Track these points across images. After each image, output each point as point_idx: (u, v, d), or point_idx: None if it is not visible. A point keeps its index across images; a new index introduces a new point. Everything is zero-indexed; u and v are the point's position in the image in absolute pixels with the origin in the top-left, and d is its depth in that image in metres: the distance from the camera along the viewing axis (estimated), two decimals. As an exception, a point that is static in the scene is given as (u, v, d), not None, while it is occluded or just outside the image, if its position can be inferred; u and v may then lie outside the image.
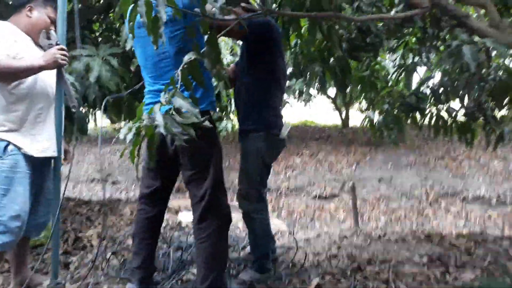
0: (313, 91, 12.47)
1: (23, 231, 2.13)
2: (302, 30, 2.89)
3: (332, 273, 2.42)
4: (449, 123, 3.78)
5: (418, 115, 3.93)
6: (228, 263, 2.58)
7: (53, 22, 2.24)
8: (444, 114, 3.73)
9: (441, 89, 3.72)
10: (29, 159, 2.13)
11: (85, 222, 3.38)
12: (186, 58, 1.69)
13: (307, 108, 14.86)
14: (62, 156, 2.34)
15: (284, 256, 2.78)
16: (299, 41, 3.27)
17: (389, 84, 4.23)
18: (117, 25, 4.14)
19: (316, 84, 10.93)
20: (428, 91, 3.91)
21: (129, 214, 3.57)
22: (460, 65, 3.55)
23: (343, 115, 13.29)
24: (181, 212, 3.64)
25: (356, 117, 15.21)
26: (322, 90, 11.95)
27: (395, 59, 3.93)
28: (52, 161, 2.30)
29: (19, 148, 2.09)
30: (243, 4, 1.99)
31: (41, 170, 2.27)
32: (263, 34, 2.28)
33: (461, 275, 2.46)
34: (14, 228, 2.06)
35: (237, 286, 2.26)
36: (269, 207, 3.24)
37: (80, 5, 3.92)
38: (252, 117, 2.37)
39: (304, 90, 8.54)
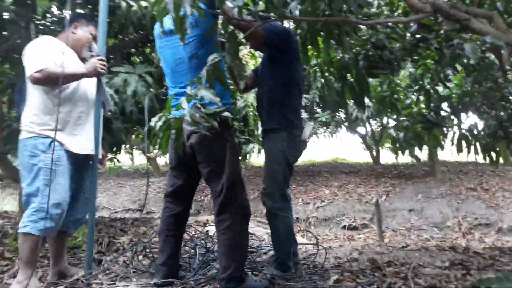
0: (343, 131, 12.66)
1: (62, 219, 2.36)
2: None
3: (351, 271, 2.48)
4: (472, 142, 3.84)
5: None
6: (250, 260, 2.70)
7: (94, 38, 2.59)
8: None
9: (460, 106, 3.84)
10: (70, 155, 2.40)
11: (118, 231, 3.59)
12: (210, 59, 1.93)
13: (337, 145, 14.93)
14: (100, 157, 2.60)
15: (306, 259, 2.86)
16: (318, 61, 3.50)
17: (409, 103, 4.34)
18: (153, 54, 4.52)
19: (344, 121, 11.15)
20: (448, 109, 4.02)
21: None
22: (474, 79, 3.67)
23: (374, 153, 13.27)
24: (209, 224, 3.79)
25: (387, 155, 15.17)
26: (351, 128, 12.11)
27: (416, 80, 4.05)
28: (91, 162, 2.57)
29: (61, 144, 2.37)
30: (260, 13, 2.23)
31: (81, 170, 2.54)
32: (282, 40, 2.52)
33: (483, 276, 2.46)
34: (55, 215, 2.30)
35: (258, 278, 2.35)
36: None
37: (118, 38, 4.35)
38: (275, 118, 2.55)
39: (330, 121, 8.68)
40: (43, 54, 2.35)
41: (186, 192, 2.48)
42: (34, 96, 2.42)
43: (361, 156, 16.03)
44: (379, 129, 13.13)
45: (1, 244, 3.29)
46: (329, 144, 14.56)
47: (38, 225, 2.24)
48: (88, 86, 2.54)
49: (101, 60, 2.44)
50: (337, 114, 9.16)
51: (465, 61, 3.45)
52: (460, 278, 2.40)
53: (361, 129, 13.04)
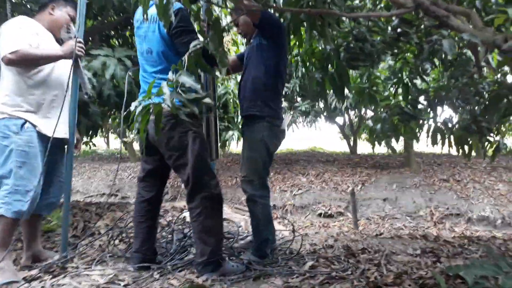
0: (322, 121, 12.78)
1: (36, 202, 2.34)
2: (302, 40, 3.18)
3: (326, 257, 2.55)
4: (446, 134, 3.96)
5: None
6: (227, 245, 2.74)
7: (73, 19, 2.54)
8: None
9: (436, 100, 3.93)
10: (43, 138, 2.36)
11: (94, 216, 3.57)
12: (192, 45, 1.93)
13: (315, 135, 15.09)
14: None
15: (282, 245, 2.91)
16: (300, 51, 3.53)
17: (387, 95, 4.42)
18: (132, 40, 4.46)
19: (324, 111, 11.26)
20: (424, 103, 4.12)
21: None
22: (451, 74, 3.76)
23: (351, 143, 13.49)
24: (185, 210, 3.80)
25: (364, 146, 15.45)
26: (330, 118, 12.24)
27: (395, 73, 4.12)
28: (66, 146, 2.54)
29: (34, 126, 2.34)
30: (245, 1, 2.23)
31: (55, 153, 2.50)
32: (275, 26, 2.52)
33: (452, 263, 2.56)
34: (29, 198, 2.27)
35: (235, 263, 2.39)
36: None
37: (97, 20, 4.27)
38: (258, 105, 2.58)
39: (309, 111, 8.76)
40: (18, 35, 2.30)
41: (157, 178, 2.49)
42: (6, 77, 2.37)
43: (339, 145, 16.28)
44: (356, 119, 13.34)
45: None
46: (307, 133, 14.70)
47: (11, 207, 2.23)
48: (64, 68, 2.49)
49: (79, 42, 2.39)
50: (316, 104, 9.23)
51: (443, 56, 3.53)
52: (430, 265, 2.49)
53: (339, 119, 13.23)
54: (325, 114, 11.97)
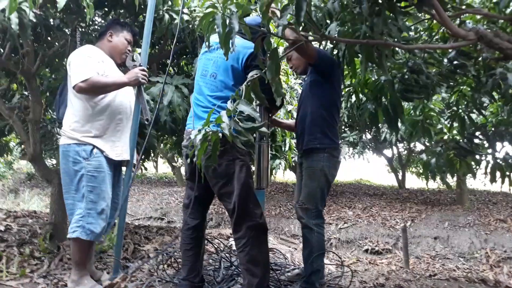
0: (369, 153, 12.51)
1: (107, 224, 2.45)
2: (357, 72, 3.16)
3: (377, 296, 2.43)
4: (507, 172, 3.75)
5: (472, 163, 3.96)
6: (274, 278, 2.68)
7: (130, 43, 2.67)
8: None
9: (495, 135, 3.75)
10: (109, 161, 2.47)
11: (143, 239, 3.63)
12: (250, 75, 1.97)
13: (362, 167, 14.77)
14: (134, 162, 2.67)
15: (330, 281, 2.82)
16: (353, 82, 3.49)
17: (443, 130, 4.27)
18: (187, 69, 4.63)
19: (371, 143, 11.03)
20: (481, 137, 3.94)
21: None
22: (511, 108, 3.59)
23: (400, 177, 13.06)
24: (232, 238, 3.78)
25: (413, 180, 14.90)
26: (378, 150, 11.97)
27: (449, 106, 3.99)
28: (124, 168, 2.64)
29: (101, 152, 2.45)
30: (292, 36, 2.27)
31: (114, 175, 2.60)
32: (331, 64, 2.64)
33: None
34: (101, 221, 2.41)
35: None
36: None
37: (155, 49, 4.46)
38: (318, 137, 2.65)
39: (357, 142, 8.60)
40: (87, 63, 2.44)
41: (201, 204, 2.51)
42: (75, 104, 2.51)
43: (386, 178, 15.80)
44: (405, 152, 12.95)
45: (31, 244, 3.37)
46: (354, 165, 14.41)
47: (85, 230, 2.36)
48: (127, 93, 2.63)
49: (143, 70, 2.52)
50: (364, 135, 9.07)
51: (503, 90, 3.39)
52: (492, 313, 2.32)
53: (387, 152, 12.90)
54: (372, 145, 11.72)
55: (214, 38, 2.48)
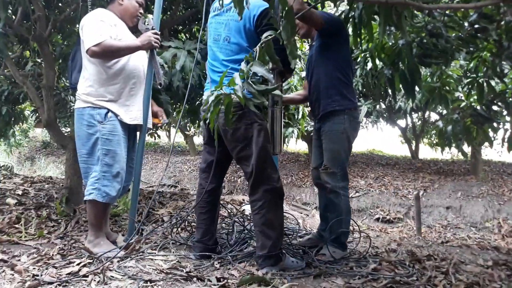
0: (382, 124, 12.36)
1: (122, 186, 2.48)
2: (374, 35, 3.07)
3: (389, 261, 2.44)
4: (524, 140, 3.67)
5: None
6: (287, 242, 2.71)
7: (141, 5, 2.62)
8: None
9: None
10: (123, 125, 2.48)
11: (157, 204, 3.69)
12: (264, 36, 1.92)
13: (375, 137, 14.66)
14: (150, 126, 2.66)
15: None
16: (369, 46, 3.40)
17: (460, 97, 4.18)
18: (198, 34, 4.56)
19: (385, 112, 10.87)
20: (501, 105, 3.84)
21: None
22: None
23: (413, 147, 12.93)
24: (244, 203, 3.82)
25: (426, 151, 14.77)
26: (391, 120, 11.81)
27: (467, 72, 3.88)
28: (138, 132, 2.65)
29: (116, 115, 2.45)
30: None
31: (129, 139, 2.61)
32: (339, 27, 2.59)
33: (530, 278, 2.36)
34: (117, 184, 2.44)
35: (295, 259, 2.36)
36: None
37: (167, 14, 4.39)
38: (336, 99, 2.60)
39: (372, 111, 8.49)
40: (99, 27, 2.41)
41: (218, 168, 2.49)
42: (89, 68, 2.50)
43: (399, 149, 15.69)
44: (419, 122, 12.78)
45: (48, 207, 3.45)
46: (366, 135, 14.30)
47: (101, 192, 2.40)
48: (140, 58, 2.60)
49: (156, 33, 2.47)
50: (378, 104, 8.94)
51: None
52: (505, 279, 2.31)
53: (401, 122, 12.74)
54: (386, 115, 11.57)
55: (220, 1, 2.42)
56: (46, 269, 2.03)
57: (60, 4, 3.97)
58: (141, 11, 2.64)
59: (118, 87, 2.49)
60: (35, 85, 4.33)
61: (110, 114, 2.45)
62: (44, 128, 3.81)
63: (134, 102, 2.54)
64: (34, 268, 2.05)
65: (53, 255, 2.30)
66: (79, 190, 3.59)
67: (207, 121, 2.21)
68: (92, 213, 2.45)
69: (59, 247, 2.45)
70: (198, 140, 14.02)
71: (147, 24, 2.52)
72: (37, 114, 7.89)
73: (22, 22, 3.65)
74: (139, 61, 2.58)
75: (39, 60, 4.81)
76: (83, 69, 2.55)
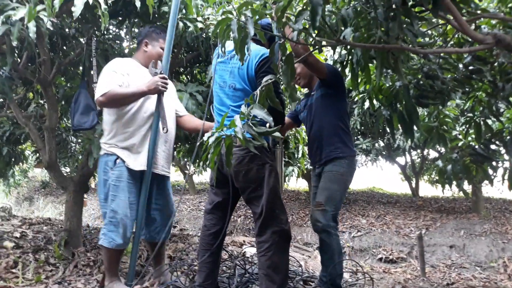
0: (381, 162, 12.39)
1: (128, 233, 2.49)
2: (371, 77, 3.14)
3: (394, 305, 2.39)
4: (524, 179, 3.67)
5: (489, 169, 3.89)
6: (291, 285, 2.65)
7: None
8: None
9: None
10: (132, 172, 2.52)
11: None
12: (265, 80, 1.97)
13: (375, 175, 14.64)
14: (165, 174, 2.73)
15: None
16: (367, 88, 3.47)
17: (458, 136, 4.22)
18: (201, 77, 4.65)
19: (384, 150, 10.94)
20: (498, 143, 3.87)
21: (197, 242, 3.76)
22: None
23: (413, 185, 12.89)
24: (245, 245, 3.77)
25: (427, 188, 14.72)
26: (391, 157, 11.85)
27: (464, 111, 3.94)
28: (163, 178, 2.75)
29: (123, 162, 2.49)
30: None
31: (154, 185, 2.68)
32: (339, 79, 2.78)
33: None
34: (121, 229, 2.45)
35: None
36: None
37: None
38: (338, 147, 2.72)
39: (370, 149, 8.53)
40: (109, 77, 2.49)
41: (224, 211, 2.48)
42: (105, 117, 2.60)
43: (399, 186, 15.64)
44: (419, 160, 12.80)
45: (46, 250, 3.40)
46: (366, 173, 14.29)
47: (107, 238, 2.44)
48: (151, 105, 2.63)
49: (163, 78, 2.51)
50: (377, 142, 9.00)
51: (521, 95, 3.33)
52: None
53: (400, 159, 12.77)
54: (385, 153, 11.61)
55: (228, 47, 2.50)
56: (43, 316, 1.99)
57: (64, 48, 4.07)
58: (159, 61, 2.71)
59: (130, 134, 2.54)
60: (37, 126, 4.38)
61: (118, 160, 2.51)
62: (44, 169, 3.82)
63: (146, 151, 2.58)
64: (30, 315, 2.00)
65: (50, 301, 2.25)
66: (78, 232, 3.56)
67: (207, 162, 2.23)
68: (104, 258, 2.50)
69: (57, 293, 2.40)
70: (198, 178, 13.97)
71: (156, 69, 2.57)
72: (37, 155, 7.91)
73: (27, 65, 3.73)
74: (152, 107, 2.61)
75: (42, 102, 4.88)
76: (103, 117, 2.66)
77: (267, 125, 1.98)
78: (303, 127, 5.13)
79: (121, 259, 2.60)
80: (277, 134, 2.09)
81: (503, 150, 3.94)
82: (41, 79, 3.53)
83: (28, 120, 3.93)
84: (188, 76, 4.89)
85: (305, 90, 3.30)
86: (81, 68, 3.77)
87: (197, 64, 4.65)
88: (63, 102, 4.37)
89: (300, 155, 5.40)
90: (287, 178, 5.99)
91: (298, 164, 5.85)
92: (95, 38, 3.19)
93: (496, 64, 3.31)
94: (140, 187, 2.57)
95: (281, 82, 1.93)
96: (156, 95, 2.55)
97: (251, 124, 1.91)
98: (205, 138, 1.93)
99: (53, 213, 9.71)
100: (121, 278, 2.71)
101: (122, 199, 2.46)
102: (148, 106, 2.60)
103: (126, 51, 4.22)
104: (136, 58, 2.71)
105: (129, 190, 2.49)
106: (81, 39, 3.70)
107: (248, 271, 2.82)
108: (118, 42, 4.03)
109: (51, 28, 2.87)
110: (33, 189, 13.99)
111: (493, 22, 3.03)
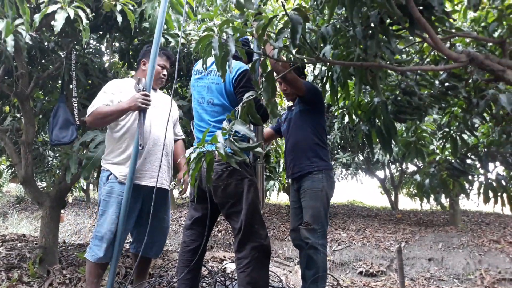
0: (361, 175, 12.54)
1: (111, 248, 2.47)
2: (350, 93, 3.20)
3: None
4: (499, 192, 3.76)
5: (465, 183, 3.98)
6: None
7: (163, 67, 2.73)
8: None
9: (487, 156, 3.78)
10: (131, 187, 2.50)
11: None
12: (246, 96, 1.98)
13: (354, 188, 14.78)
14: (165, 187, 2.76)
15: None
16: (346, 103, 3.53)
17: (435, 150, 4.31)
18: (182, 91, 4.65)
19: (364, 164, 11.09)
20: (474, 158, 3.96)
21: (176, 258, 3.71)
22: (502, 130, 3.64)
23: (393, 198, 13.06)
24: (226, 261, 3.73)
25: (405, 201, 14.93)
26: (370, 171, 12.00)
27: (441, 126, 4.04)
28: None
29: (116, 177, 2.48)
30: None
31: (149, 201, 2.60)
32: (318, 96, 2.85)
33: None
34: (104, 245, 2.44)
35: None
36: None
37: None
38: (314, 161, 2.76)
39: (350, 163, 8.63)
40: (98, 98, 2.55)
41: (204, 226, 2.47)
42: (106, 134, 2.67)
43: (378, 200, 15.81)
44: (397, 173, 12.99)
45: (20, 268, 3.30)
46: (346, 186, 14.41)
47: (91, 251, 2.46)
48: (148, 120, 2.64)
49: (145, 95, 2.51)
50: (356, 156, 9.12)
51: (494, 111, 3.44)
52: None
53: (379, 173, 12.94)
54: (364, 166, 11.76)
55: (200, 66, 2.53)
56: (17, 338, 1.92)
57: (43, 61, 4.02)
58: (165, 73, 2.74)
59: (123, 150, 2.58)
60: (13, 140, 4.28)
61: (111, 176, 2.53)
62: (20, 184, 3.73)
63: (142, 164, 2.59)
64: (3, 337, 1.93)
65: (24, 322, 2.18)
66: (54, 249, 3.47)
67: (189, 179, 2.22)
68: (87, 270, 2.50)
69: (31, 313, 2.33)
70: (176, 193, 13.83)
71: (139, 85, 2.58)
72: (12, 169, 7.72)
73: (4, 79, 3.66)
74: (147, 124, 2.61)
75: (18, 115, 4.79)
76: None
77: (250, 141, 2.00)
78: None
79: (103, 274, 2.55)
80: (258, 149, 2.11)
81: (478, 164, 4.04)
82: (19, 92, 3.48)
83: (4, 134, 3.85)
84: (169, 90, 4.88)
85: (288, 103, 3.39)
86: (60, 82, 3.73)
87: (178, 79, 4.66)
88: (40, 116, 4.29)
89: (281, 169, 5.42)
90: (268, 192, 6.00)
91: (279, 178, 5.88)
92: (75, 52, 3.17)
93: (470, 81, 3.41)
94: (137, 201, 2.59)
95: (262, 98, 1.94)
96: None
97: (232, 140, 1.93)
98: (186, 155, 1.93)
99: (28, 229, 9.44)
100: None
101: (109, 214, 2.47)
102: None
103: (106, 65, 4.20)
104: (135, 78, 2.75)
105: (118, 205, 2.49)
106: (61, 53, 3.66)
107: (228, 287, 2.79)
108: (98, 56, 4.01)
109: (30, 42, 2.84)
110: (7, 204, 13.60)
111: (467, 40, 3.13)
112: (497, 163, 4.13)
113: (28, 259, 3.54)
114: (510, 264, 6.82)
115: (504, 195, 3.78)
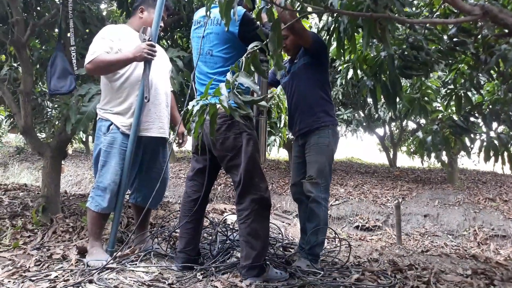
0: (361, 132, 12.52)
1: (114, 197, 2.47)
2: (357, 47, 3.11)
3: (372, 271, 2.45)
4: (500, 150, 3.76)
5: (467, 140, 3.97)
6: (271, 252, 2.69)
7: (161, 18, 2.60)
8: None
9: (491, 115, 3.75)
10: (127, 137, 2.49)
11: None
12: (250, 47, 1.91)
13: (353, 145, 14.84)
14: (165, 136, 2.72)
15: (325, 255, 2.84)
16: (351, 57, 3.44)
17: (439, 108, 4.27)
18: (182, 41, 4.53)
19: (364, 121, 11.04)
20: (478, 116, 3.93)
21: (178, 209, 3.77)
22: (508, 88, 3.58)
23: (391, 155, 13.13)
24: (226, 213, 3.79)
25: (404, 159, 15.04)
26: (370, 128, 11.98)
27: (446, 84, 3.97)
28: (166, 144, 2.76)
29: (118, 128, 2.45)
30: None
31: (149, 151, 2.66)
32: (323, 48, 2.75)
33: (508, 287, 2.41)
34: (108, 195, 2.43)
35: (279, 270, 2.35)
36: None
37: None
38: (320, 116, 2.69)
39: (351, 120, 8.59)
40: (97, 44, 2.43)
41: (204, 177, 2.45)
42: (101, 82, 2.58)
43: (377, 157, 15.93)
44: (397, 131, 13.00)
45: (23, 217, 3.34)
46: (345, 143, 14.46)
47: (94, 201, 2.44)
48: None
49: (151, 45, 2.43)
50: (357, 113, 9.06)
51: (501, 69, 3.36)
52: (484, 287, 2.35)
53: (379, 130, 12.93)
54: (365, 124, 11.73)
55: (200, 14, 2.43)
56: (22, 282, 1.96)
57: (39, 9, 3.88)
58: (162, 24, 2.62)
59: (123, 99, 2.52)
60: (11, 89, 4.21)
61: (112, 126, 2.48)
62: (20, 134, 3.70)
63: (146, 116, 2.54)
64: (9, 281, 1.98)
65: (29, 267, 2.23)
66: (57, 199, 3.50)
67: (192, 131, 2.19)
68: (89, 221, 2.49)
69: (36, 259, 2.37)
70: (175, 146, 13.87)
71: (145, 35, 2.48)
72: (12, 119, 7.68)
73: (-1, 26, 3.56)
74: (150, 75, 2.54)
75: (15, 65, 4.69)
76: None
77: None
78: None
79: (105, 224, 2.57)
80: (263, 103, 2.07)
81: (481, 123, 4.01)
82: (15, 40, 3.38)
83: (2, 83, 3.78)
84: (168, 41, 4.76)
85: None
86: (57, 30, 3.61)
87: (178, 29, 4.52)
88: (38, 66, 4.20)
89: (282, 125, 5.39)
90: (268, 148, 6.00)
91: (280, 134, 5.86)
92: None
93: (479, 37, 3.32)
94: (138, 152, 2.57)
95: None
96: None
97: (236, 93, 1.88)
98: (189, 107, 1.89)
99: (28, 179, 9.53)
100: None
101: (112, 165, 2.44)
102: (140, 72, 2.53)
103: (104, 13, 4.06)
104: (130, 24, 2.64)
105: (121, 156, 2.47)
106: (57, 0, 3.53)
107: (229, 238, 2.84)
108: (96, 3, 3.86)
109: (24, -14, 2.72)
110: (7, 154, 13.68)
111: (480, -7, 3.01)
112: (500, 122, 4.10)
113: (31, 208, 3.59)
114: (503, 222, 6.96)
115: (505, 153, 3.78)
